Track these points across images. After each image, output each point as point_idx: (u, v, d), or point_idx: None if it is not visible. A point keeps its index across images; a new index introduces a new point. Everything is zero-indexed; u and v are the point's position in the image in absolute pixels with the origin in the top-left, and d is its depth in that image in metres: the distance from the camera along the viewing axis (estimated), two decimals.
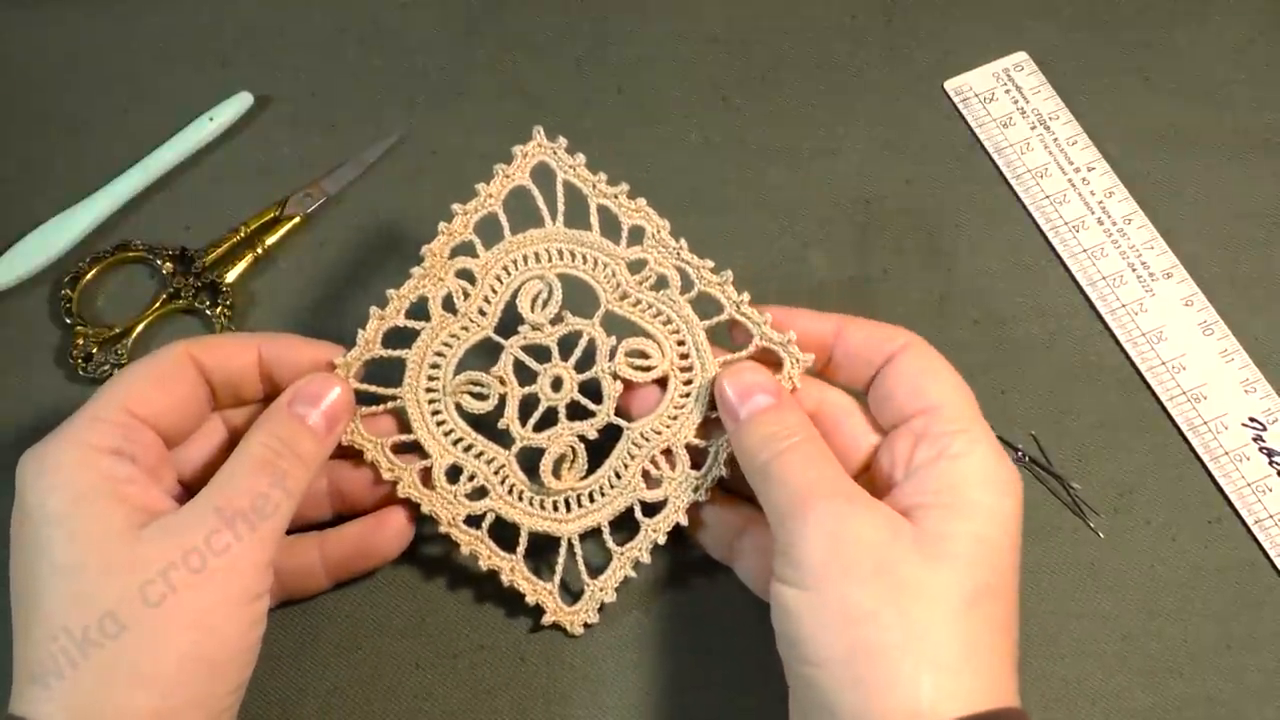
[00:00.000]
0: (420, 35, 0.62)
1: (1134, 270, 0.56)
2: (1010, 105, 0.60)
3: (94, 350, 0.53)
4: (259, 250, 0.56)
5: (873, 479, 0.45)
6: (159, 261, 0.55)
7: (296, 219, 0.57)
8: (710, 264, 0.47)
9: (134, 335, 0.54)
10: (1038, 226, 0.57)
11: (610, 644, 0.48)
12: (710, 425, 0.47)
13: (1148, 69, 0.61)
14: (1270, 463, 0.52)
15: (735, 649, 0.48)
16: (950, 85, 0.61)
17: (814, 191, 0.58)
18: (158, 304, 0.55)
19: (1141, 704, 0.48)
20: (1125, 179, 0.58)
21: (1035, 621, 0.49)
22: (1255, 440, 0.52)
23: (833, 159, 0.59)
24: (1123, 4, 0.63)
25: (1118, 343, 0.54)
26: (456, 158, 0.59)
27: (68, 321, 0.54)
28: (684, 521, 0.46)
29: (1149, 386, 0.53)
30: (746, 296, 0.47)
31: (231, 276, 0.55)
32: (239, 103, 0.59)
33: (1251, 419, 0.53)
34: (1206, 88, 0.60)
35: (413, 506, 0.47)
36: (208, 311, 0.54)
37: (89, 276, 0.55)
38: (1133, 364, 0.54)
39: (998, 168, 0.59)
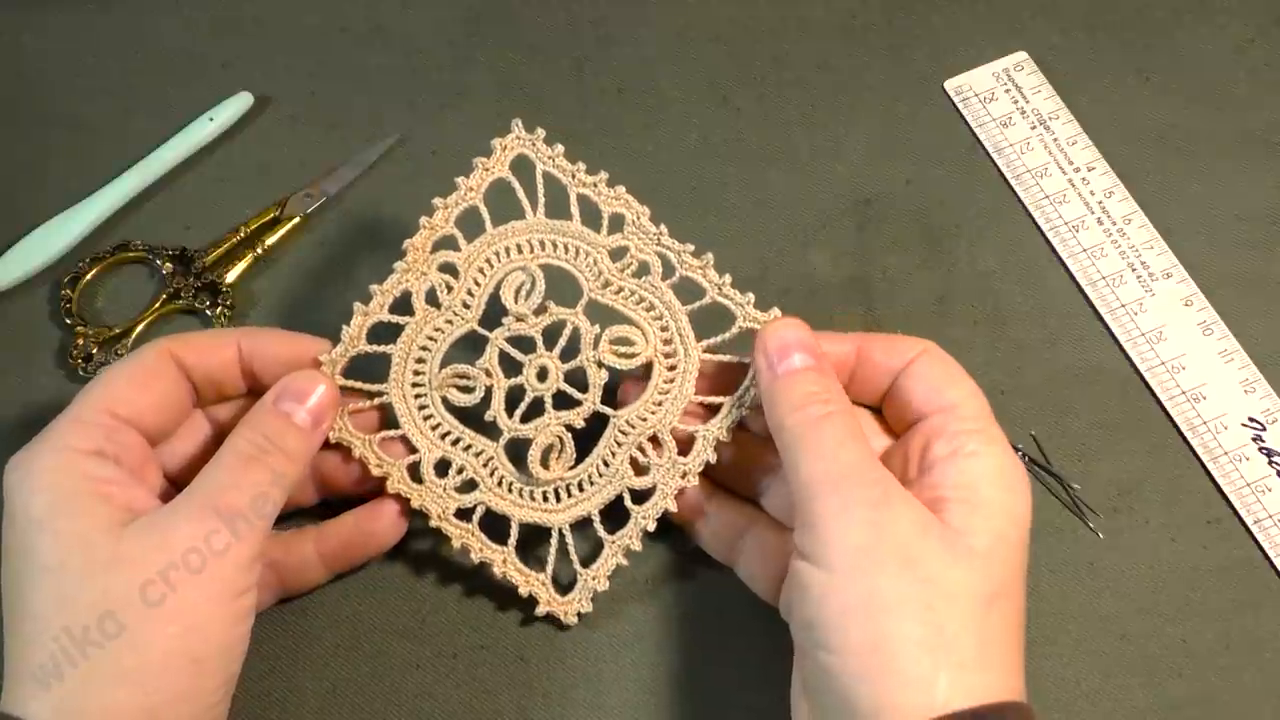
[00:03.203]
0: (420, 35, 0.62)
1: (1134, 270, 0.56)
2: (1010, 105, 0.60)
3: (94, 350, 0.53)
4: (259, 250, 0.56)
5: None
6: (159, 261, 0.55)
7: (296, 219, 0.57)
8: (690, 248, 0.47)
9: (134, 335, 0.54)
10: (1038, 226, 0.57)
11: (611, 643, 0.48)
12: (694, 411, 0.47)
13: (1148, 69, 0.61)
14: (1270, 463, 0.52)
15: (736, 648, 0.48)
16: (950, 85, 0.61)
17: (814, 191, 0.58)
18: (158, 304, 0.55)
19: (1141, 704, 0.48)
20: (1125, 179, 0.58)
21: (1035, 621, 0.48)
22: (1255, 440, 0.52)
23: (833, 159, 0.59)
24: (1123, 4, 0.63)
25: (1117, 343, 0.54)
26: (456, 158, 0.58)
27: (68, 321, 0.54)
28: (673, 508, 0.46)
29: (1149, 386, 0.53)
30: (728, 279, 0.47)
31: (231, 276, 0.55)
32: (239, 103, 0.59)
33: (1251, 419, 0.53)
34: (1206, 88, 0.60)
35: (404, 500, 0.47)
36: (208, 311, 0.54)
37: (89, 276, 0.55)
38: (1132, 364, 0.54)
39: (998, 168, 0.59)
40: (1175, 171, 0.58)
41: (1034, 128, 0.59)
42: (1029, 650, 0.48)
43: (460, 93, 0.60)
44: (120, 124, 0.59)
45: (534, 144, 0.48)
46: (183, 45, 0.61)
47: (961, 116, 0.60)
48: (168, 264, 0.55)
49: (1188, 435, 0.52)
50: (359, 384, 0.47)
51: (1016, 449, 0.52)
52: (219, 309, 0.54)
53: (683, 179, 0.58)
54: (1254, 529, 0.51)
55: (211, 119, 0.58)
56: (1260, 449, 0.52)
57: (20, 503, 0.40)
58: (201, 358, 0.45)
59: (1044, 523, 0.51)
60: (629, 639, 0.48)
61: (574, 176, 0.48)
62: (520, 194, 0.48)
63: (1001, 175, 0.58)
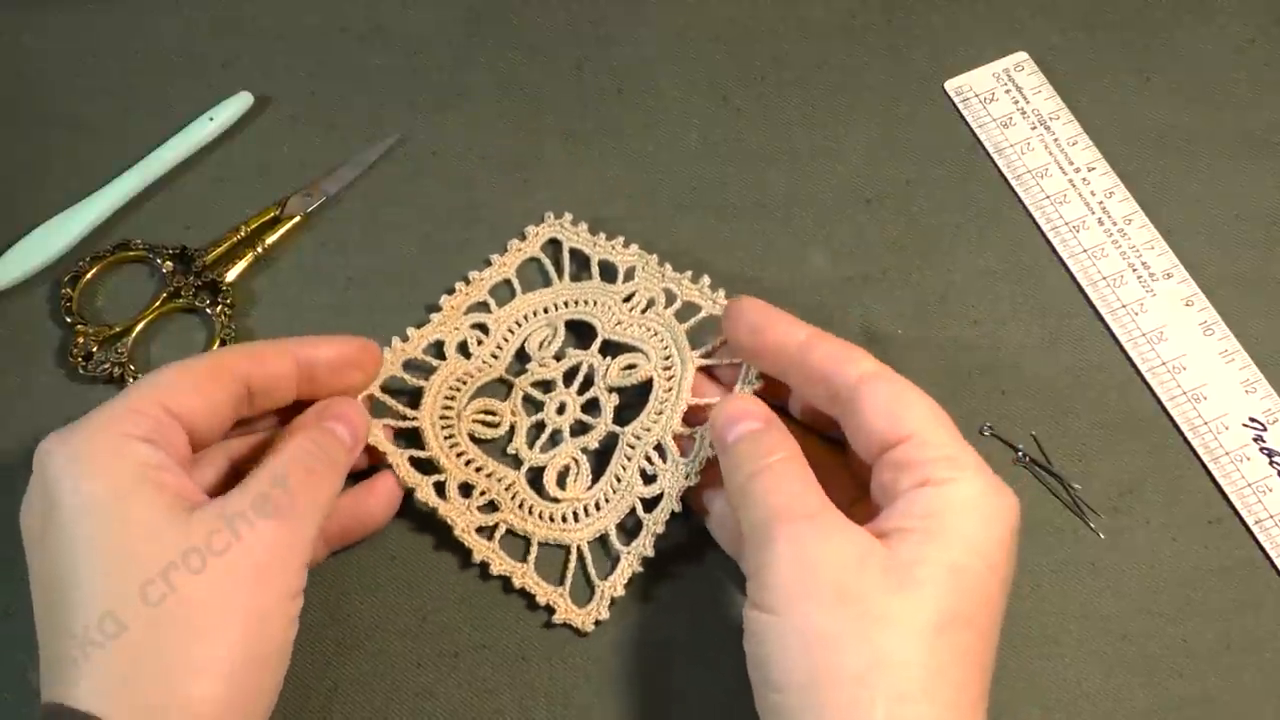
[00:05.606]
0: (420, 35, 0.62)
1: (1134, 270, 0.56)
2: (1010, 105, 0.60)
3: (94, 349, 0.53)
4: (259, 250, 0.56)
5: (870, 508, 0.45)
6: (159, 261, 0.55)
7: (296, 219, 0.57)
8: (689, 274, 0.52)
9: (134, 334, 0.54)
10: (1038, 226, 0.57)
11: (613, 643, 0.48)
12: (692, 414, 0.49)
13: (1148, 69, 0.61)
14: (1271, 463, 0.52)
15: (737, 647, 0.48)
16: (950, 85, 0.61)
17: (814, 191, 0.58)
18: (158, 303, 0.55)
19: (1141, 704, 0.48)
20: (1125, 179, 0.58)
21: (1035, 621, 0.49)
22: (1256, 440, 0.52)
23: (833, 159, 0.59)
24: (1123, 4, 0.63)
25: (1118, 343, 0.54)
26: (456, 158, 0.59)
27: (68, 321, 0.54)
28: (678, 508, 0.48)
29: (1149, 387, 0.53)
30: (722, 293, 0.52)
31: (231, 276, 0.55)
32: (239, 103, 0.59)
33: (1252, 419, 0.53)
34: (1206, 88, 0.60)
35: (397, 477, 0.49)
36: (208, 310, 0.54)
37: (89, 276, 0.55)
38: (1133, 364, 0.54)
39: (998, 168, 0.59)
40: (1175, 171, 0.58)
41: (1034, 128, 0.59)
42: (1030, 650, 0.48)
43: (460, 93, 0.60)
44: (120, 124, 0.59)
45: (563, 226, 0.55)
46: (183, 45, 0.61)
47: (961, 117, 0.60)
48: (168, 263, 0.55)
49: (1188, 435, 0.52)
50: (395, 404, 0.50)
51: (1017, 449, 0.52)
52: (219, 308, 0.54)
53: (683, 179, 0.58)
54: (1255, 529, 0.51)
55: (211, 119, 0.58)
56: (1261, 449, 0.52)
57: (69, 486, 0.39)
58: (264, 370, 0.45)
59: (1044, 522, 0.51)
60: (631, 638, 0.48)
61: (595, 245, 0.54)
62: (549, 268, 0.54)
63: (1002, 175, 0.58)
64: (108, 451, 0.40)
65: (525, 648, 0.48)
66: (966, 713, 0.38)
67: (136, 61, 0.61)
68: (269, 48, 0.61)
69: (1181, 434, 0.52)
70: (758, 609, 0.41)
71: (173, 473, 0.41)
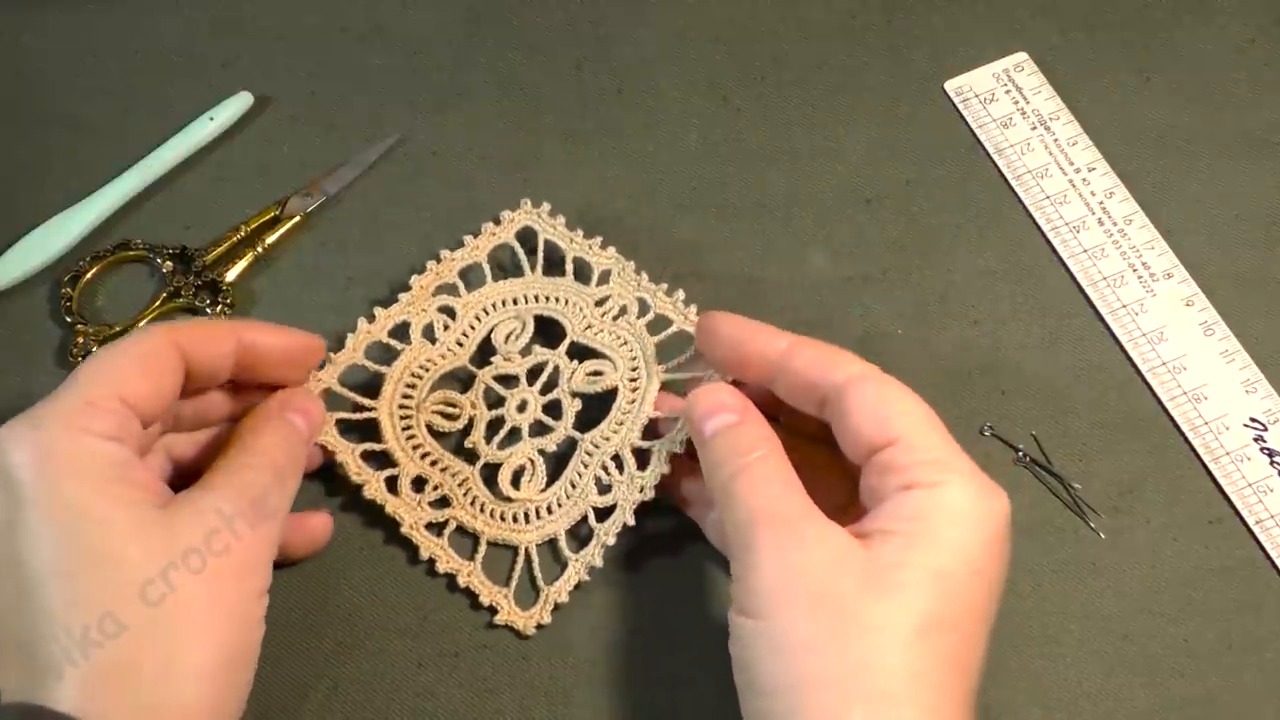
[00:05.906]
0: (420, 35, 0.62)
1: (1134, 270, 0.56)
2: (1010, 106, 0.60)
3: (94, 349, 0.53)
4: (259, 250, 0.56)
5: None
6: (159, 260, 0.55)
7: (296, 219, 0.57)
8: (664, 287, 0.51)
9: None
10: (1038, 226, 0.57)
11: (613, 643, 0.48)
12: (655, 427, 0.49)
13: (1148, 69, 0.61)
14: (1271, 463, 0.52)
15: None
16: (950, 85, 0.61)
17: (814, 191, 0.58)
18: (158, 303, 0.55)
19: (1141, 704, 0.48)
20: (1125, 179, 0.58)
21: (1036, 621, 0.49)
22: (1256, 440, 0.52)
23: (833, 159, 0.59)
24: (1123, 4, 0.63)
25: (1118, 343, 0.54)
26: (456, 158, 0.59)
27: (68, 320, 0.54)
28: (631, 522, 0.48)
29: (1149, 387, 0.53)
30: (694, 309, 0.51)
31: (231, 275, 0.55)
32: (239, 103, 0.59)
33: (1252, 419, 0.53)
34: (1206, 88, 0.60)
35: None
36: (208, 310, 0.54)
37: (89, 275, 0.55)
38: (1133, 364, 0.54)
39: (998, 168, 0.59)
40: (1175, 171, 0.58)
41: (1034, 128, 0.59)
42: (1031, 650, 0.48)
43: (460, 93, 0.60)
44: (120, 124, 0.59)
45: (539, 216, 0.54)
46: (183, 45, 0.61)
47: (961, 117, 0.60)
48: (168, 263, 0.55)
49: (1189, 435, 0.52)
50: (353, 395, 0.50)
51: (1017, 449, 0.52)
52: (219, 307, 0.54)
53: (683, 179, 0.58)
54: (1255, 529, 0.51)
55: (211, 119, 0.58)
56: (1262, 449, 0.52)
57: (41, 486, 0.38)
58: (204, 349, 0.44)
59: (1045, 522, 0.51)
60: (632, 639, 0.48)
61: (571, 241, 0.53)
62: (522, 256, 0.53)
63: (1002, 176, 0.58)
64: (77, 450, 0.39)
65: (525, 648, 0.48)
66: (948, 715, 0.38)
67: (136, 61, 0.61)
68: (269, 48, 0.61)
69: (1182, 434, 0.52)
70: (742, 614, 0.40)
71: (139, 469, 0.41)
